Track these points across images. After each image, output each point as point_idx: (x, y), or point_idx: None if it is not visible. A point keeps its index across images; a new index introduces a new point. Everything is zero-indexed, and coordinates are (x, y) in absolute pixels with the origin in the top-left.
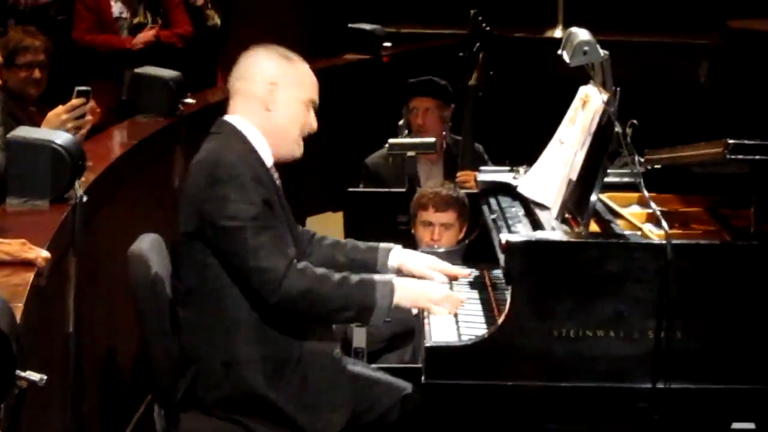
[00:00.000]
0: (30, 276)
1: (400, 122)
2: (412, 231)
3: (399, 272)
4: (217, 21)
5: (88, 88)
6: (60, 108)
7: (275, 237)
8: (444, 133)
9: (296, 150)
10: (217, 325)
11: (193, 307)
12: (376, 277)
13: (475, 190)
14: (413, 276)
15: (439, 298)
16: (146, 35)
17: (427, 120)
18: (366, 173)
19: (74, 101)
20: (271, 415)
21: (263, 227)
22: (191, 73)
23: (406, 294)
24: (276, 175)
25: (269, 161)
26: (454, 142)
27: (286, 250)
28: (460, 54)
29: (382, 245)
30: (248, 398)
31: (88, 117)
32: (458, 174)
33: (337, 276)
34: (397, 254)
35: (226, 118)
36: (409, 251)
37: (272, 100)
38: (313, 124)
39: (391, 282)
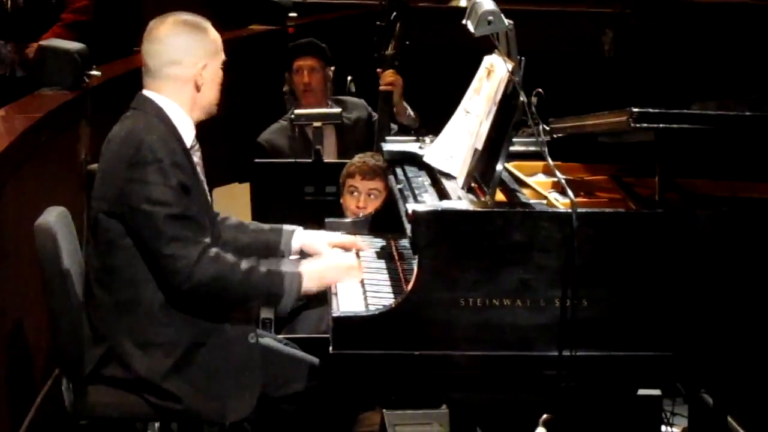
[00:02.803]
0: None
1: (284, 89)
2: (341, 200)
3: (301, 253)
4: None
5: None
6: None
7: (191, 224)
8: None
9: (215, 109)
10: (129, 306)
11: (106, 286)
12: (284, 267)
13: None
14: (316, 253)
15: (343, 272)
16: None
17: (312, 79)
18: (261, 150)
19: None
20: (176, 400)
21: (180, 214)
22: (102, 43)
23: (313, 279)
24: (198, 154)
25: (189, 140)
26: (337, 104)
27: (200, 238)
28: (378, 23)
29: (286, 227)
30: (154, 381)
31: None
32: (384, 74)
33: (245, 265)
34: (300, 236)
35: (148, 95)
36: (311, 232)
37: (202, 80)
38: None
39: (298, 272)
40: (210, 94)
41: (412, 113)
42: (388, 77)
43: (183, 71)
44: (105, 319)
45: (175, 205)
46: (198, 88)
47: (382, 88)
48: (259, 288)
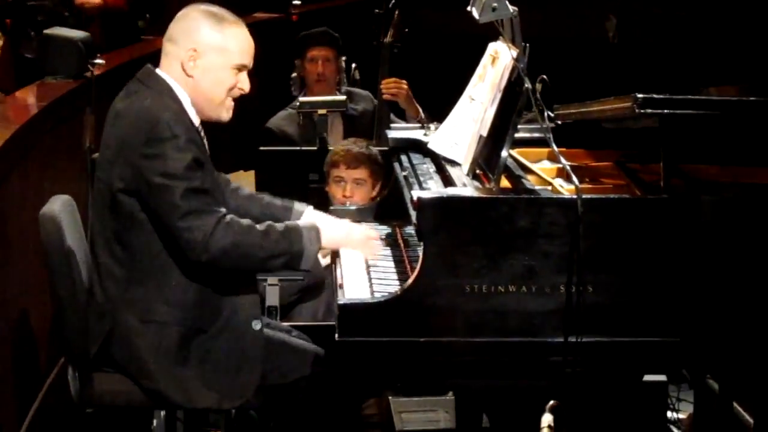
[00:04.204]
0: None
1: (293, 75)
2: (326, 189)
3: None
4: None
5: None
6: None
7: (206, 196)
8: (339, 84)
9: (223, 113)
10: (139, 281)
11: (118, 260)
12: (300, 222)
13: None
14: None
15: (361, 238)
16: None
17: (326, 69)
18: (270, 136)
19: None
20: (171, 385)
21: (197, 188)
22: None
23: (330, 235)
24: (203, 134)
25: (197, 121)
26: (348, 94)
27: (216, 208)
28: (376, 11)
29: (297, 206)
30: (152, 362)
31: None
32: (385, 82)
33: (261, 226)
34: (309, 216)
35: (158, 71)
36: (321, 214)
37: (192, 67)
38: (244, 87)
39: (315, 226)
40: (206, 88)
41: (422, 115)
42: (391, 87)
43: (173, 49)
44: (113, 294)
45: (193, 179)
46: (186, 74)
47: (385, 96)
48: (279, 246)
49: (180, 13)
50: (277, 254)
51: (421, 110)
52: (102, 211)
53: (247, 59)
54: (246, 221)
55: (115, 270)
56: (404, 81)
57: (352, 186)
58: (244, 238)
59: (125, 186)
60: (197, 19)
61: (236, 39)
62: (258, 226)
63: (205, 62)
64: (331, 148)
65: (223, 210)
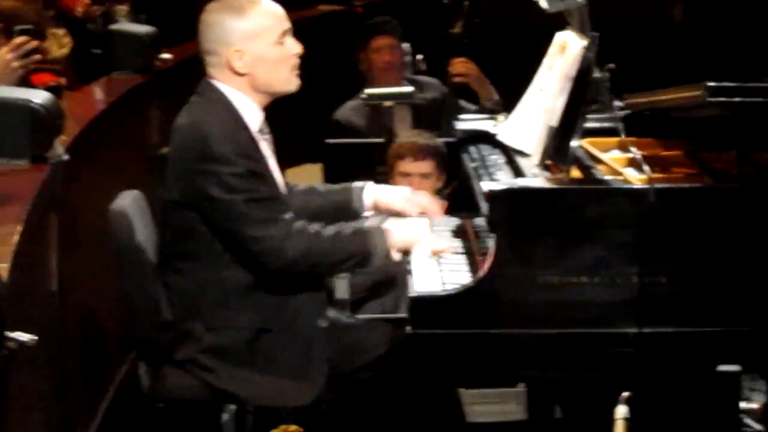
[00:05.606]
0: (14, 237)
1: (362, 67)
2: (391, 182)
3: (375, 208)
4: None
5: (30, 27)
6: (3, 49)
7: (269, 204)
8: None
9: (291, 84)
10: (201, 290)
11: (178, 270)
12: (368, 225)
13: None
14: (392, 209)
15: (427, 237)
16: None
17: (393, 57)
18: (338, 127)
19: (17, 40)
20: (245, 384)
21: (258, 197)
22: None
23: (398, 235)
24: (269, 138)
25: (256, 125)
26: (412, 84)
27: (282, 216)
28: (445, 1)
29: (355, 183)
30: (221, 364)
31: (35, 56)
32: (453, 62)
33: (330, 230)
34: (371, 190)
35: (211, 80)
36: (382, 186)
37: (243, 65)
38: (295, 50)
39: (383, 228)
40: (265, 75)
41: (496, 96)
42: (459, 67)
43: (216, 59)
44: (177, 303)
45: (251, 190)
46: (240, 74)
47: (455, 79)
48: (348, 250)
49: (201, 24)
50: (346, 258)
51: (494, 91)
52: (162, 224)
53: (283, 25)
54: (314, 227)
55: (177, 283)
56: (472, 62)
57: (419, 179)
58: (315, 244)
59: (182, 199)
60: (220, 22)
61: (263, 15)
62: (328, 231)
63: (252, 54)
64: (397, 139)
65: (290, 216)
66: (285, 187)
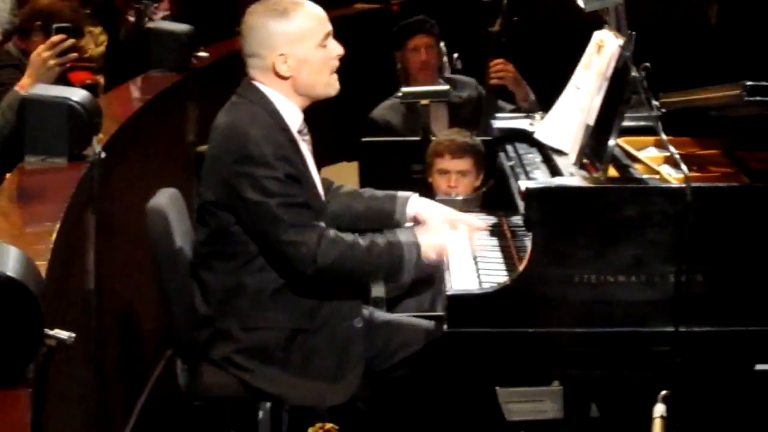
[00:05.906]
0: (52, 235)
1: (398, 67)
2: (429, 180)
3: (415, 221)
4: None
5: (68, 25)
6: (41, 47)
7: (304, 210)
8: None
9: (331, 89)
10: (236, 291)
11: (214, 270)
12: (401, 237)
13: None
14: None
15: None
16: None
17: (430, 56)
18: (374, 126)
19: (54, 38)
20: (280, 383)
21: (293, 202)
22: (208, 23)
23: (430, 250)
24: (308, 139)
25: (296, 126)
26: (448, 82)
27: (316, 222)
28: (484, 0)
29: (400, 194)
30: (256, 364)
31: (72, 54)
32: (492, 64)
33: (365, 241)
34: (415, 203)
35: (256, 83)
36: (426, 201)
37: (287, 69)
38: (337, 52)
39: (416, 242)
40: (308, 78)
41: (532, 97)
42: (498, 68)
43: (260, 63)
44: (212, 303)
45: (287, 194)
46: (284, 77)
47: (492, 81)
48: (381, 261)
49: (244, 27)
50: (379, 269)
51: (530, 92)
52: (198, 224)
53: (326, 27)
54: (349, 236)
55: (212, 283)
56: (510, 63)
57: (457, 177)
58: (349, 253)
59: (217, 199)
60: (264, 25)
61: (306, 17)
62: (361, 241)
63: (296, 57)
64: (434, 138)
65: (323, 224)
66: (322, 187)
